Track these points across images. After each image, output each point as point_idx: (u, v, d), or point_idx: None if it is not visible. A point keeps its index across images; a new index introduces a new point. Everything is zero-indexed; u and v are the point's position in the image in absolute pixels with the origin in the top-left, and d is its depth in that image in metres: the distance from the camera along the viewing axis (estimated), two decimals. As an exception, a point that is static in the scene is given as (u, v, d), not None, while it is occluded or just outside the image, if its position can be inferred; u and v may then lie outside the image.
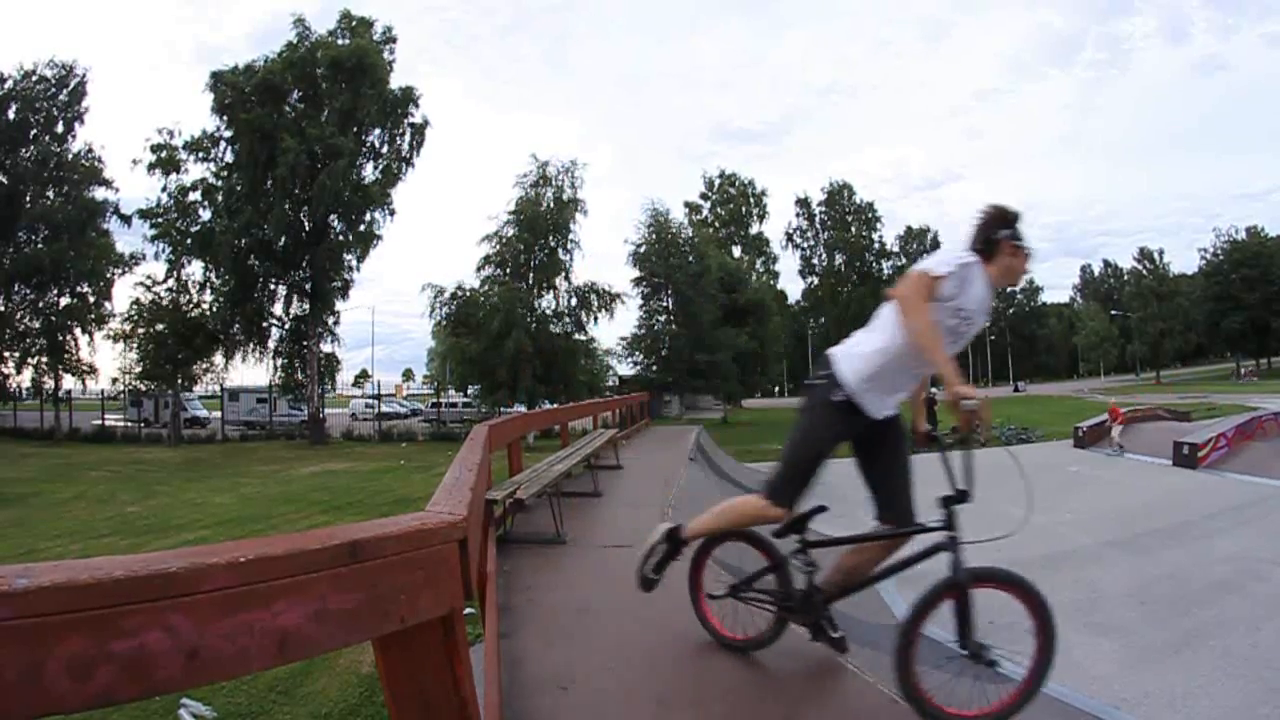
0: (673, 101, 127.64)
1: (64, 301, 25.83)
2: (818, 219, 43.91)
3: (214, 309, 25.10)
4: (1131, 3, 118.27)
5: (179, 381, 25.88)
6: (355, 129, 24.25)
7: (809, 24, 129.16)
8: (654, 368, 29.58)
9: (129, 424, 28.10)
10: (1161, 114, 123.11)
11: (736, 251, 41.88)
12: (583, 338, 25.68)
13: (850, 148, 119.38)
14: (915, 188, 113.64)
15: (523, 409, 20.31)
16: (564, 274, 25.30)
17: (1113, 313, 64.58)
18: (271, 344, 25.92)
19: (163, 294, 25.19)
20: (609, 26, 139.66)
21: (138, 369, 25.13)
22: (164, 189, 24.31)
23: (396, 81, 25.28)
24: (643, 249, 29.82)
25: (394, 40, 25.73)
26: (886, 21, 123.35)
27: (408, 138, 25.80)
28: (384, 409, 30.56)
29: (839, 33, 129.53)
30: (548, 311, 25.29)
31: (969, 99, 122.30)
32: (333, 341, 26.26)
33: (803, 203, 44.22)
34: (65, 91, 25.40)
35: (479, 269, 25.17)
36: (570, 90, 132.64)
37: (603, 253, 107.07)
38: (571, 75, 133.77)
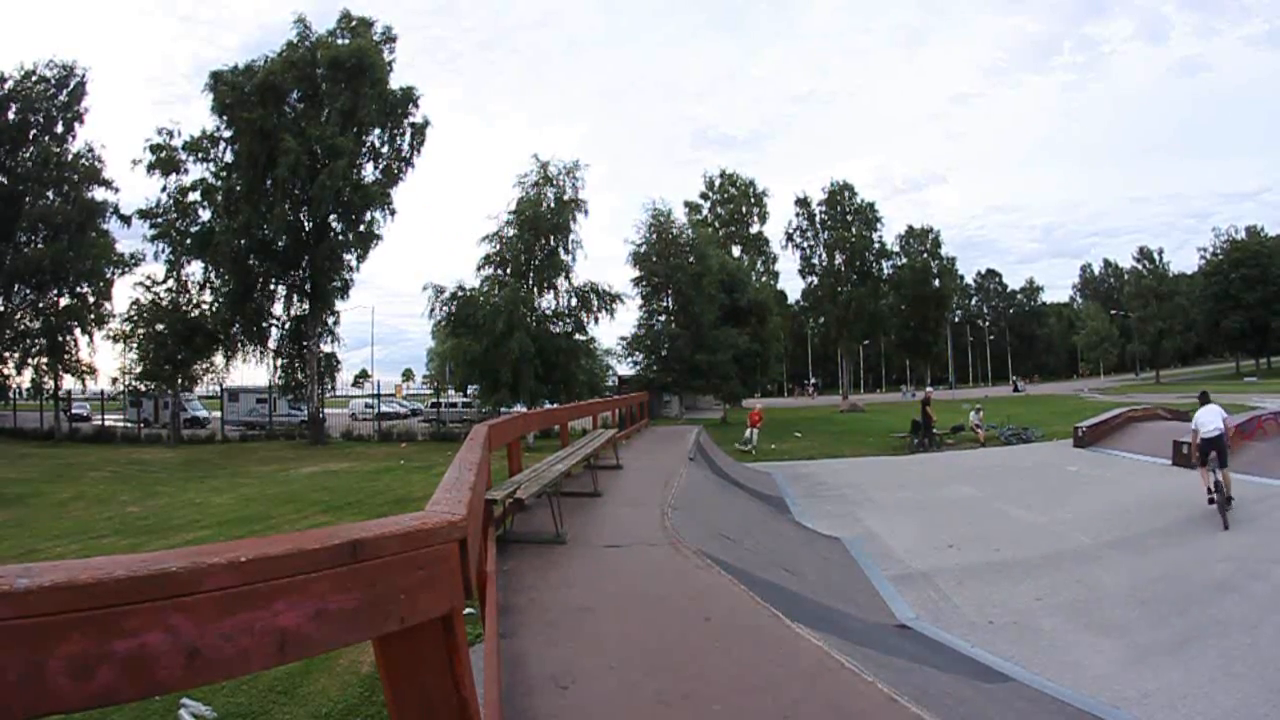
0: (655, 111, 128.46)
1: (64, 301, 25.82)
2: (818, 219, 43.73)
3: (214, 309, 25.10)
4: (1107, 7, 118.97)
5: (179, 381, 25.88)
6: (355, 129, 24.19)
7: (785, 35, 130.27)
8: (654, 368, 29.49)
9: (129, 424, 28.11)
10: (1144, 115, 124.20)
11: (736, 251, 41.79)
12: (583, 338, 25.63)
13: (831, 152, 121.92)
14: (898, 190, 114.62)
15: (523, 409, 20.29)
16: (565, 274, 25.26)
17: (1112, 312, 64.56)
18: (271, 344, 25.92)
19: (162, 294, 25.21)
20: (588, 41, 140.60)
21: (138, 369, 25.13)
22: (164, 189, 24.40)
23: (396, 82, 25.32)
24: (643, 249, 29.74)
25: (394, 40, 25.70)
26: (862, 30, 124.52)
27: (408, 137, 25.75)
28: (384, 409, 30.55)
29: (815, 42, 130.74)
30: (548, 311, 25.26)
31: (946, 103, 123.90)
32: (332, 341, 26.29)
33: (802, 202, 44.03)
34: (65, 92, 25.38)
35: (479, 269, 25.14)
36: (555, 100, 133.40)
37: (594, 256, 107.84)
38: (555, 86, 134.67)
